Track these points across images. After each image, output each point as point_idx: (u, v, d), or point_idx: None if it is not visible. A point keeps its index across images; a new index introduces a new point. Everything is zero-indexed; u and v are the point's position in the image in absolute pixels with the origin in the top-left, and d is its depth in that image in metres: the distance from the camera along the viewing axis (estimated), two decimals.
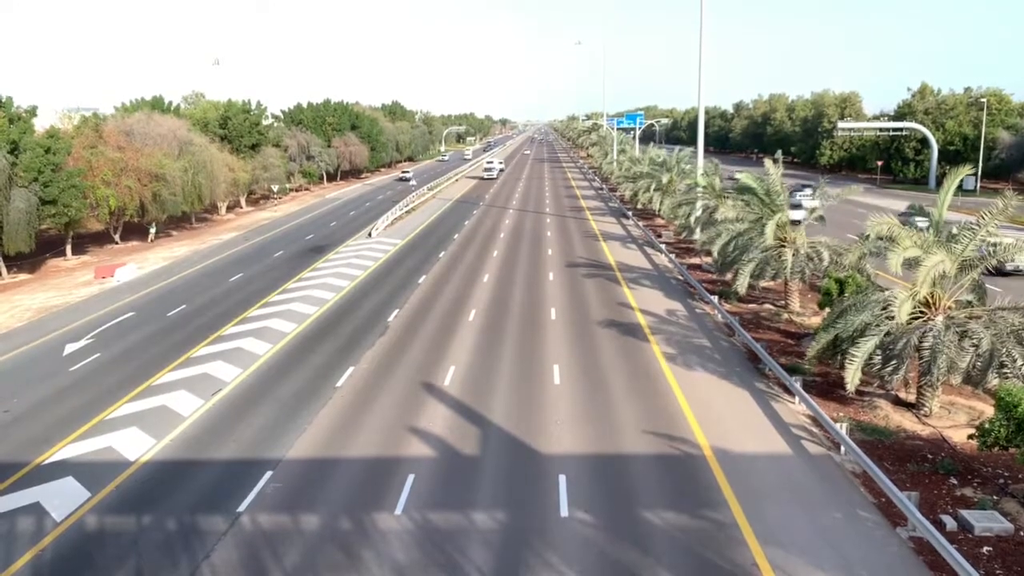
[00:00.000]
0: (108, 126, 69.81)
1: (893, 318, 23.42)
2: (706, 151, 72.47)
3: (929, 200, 30.73)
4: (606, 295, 42.04)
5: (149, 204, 64.37)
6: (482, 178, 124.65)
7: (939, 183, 37.03)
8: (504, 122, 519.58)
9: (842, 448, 21.72)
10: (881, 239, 27.08)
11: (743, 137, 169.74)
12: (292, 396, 27.44)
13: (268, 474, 21.31)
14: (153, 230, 68.58)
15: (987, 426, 19.37)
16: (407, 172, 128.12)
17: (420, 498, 19.66)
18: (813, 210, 41.68)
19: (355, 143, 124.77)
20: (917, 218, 42.20)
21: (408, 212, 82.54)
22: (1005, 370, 21.77)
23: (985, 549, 16.96)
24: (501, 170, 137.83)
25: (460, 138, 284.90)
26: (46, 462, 22.73)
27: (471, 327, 35.82)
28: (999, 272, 40.56)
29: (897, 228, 25.89)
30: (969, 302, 25.13)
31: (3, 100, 52.77)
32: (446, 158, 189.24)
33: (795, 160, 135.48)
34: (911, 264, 24.76)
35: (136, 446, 23.53)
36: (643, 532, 17.83)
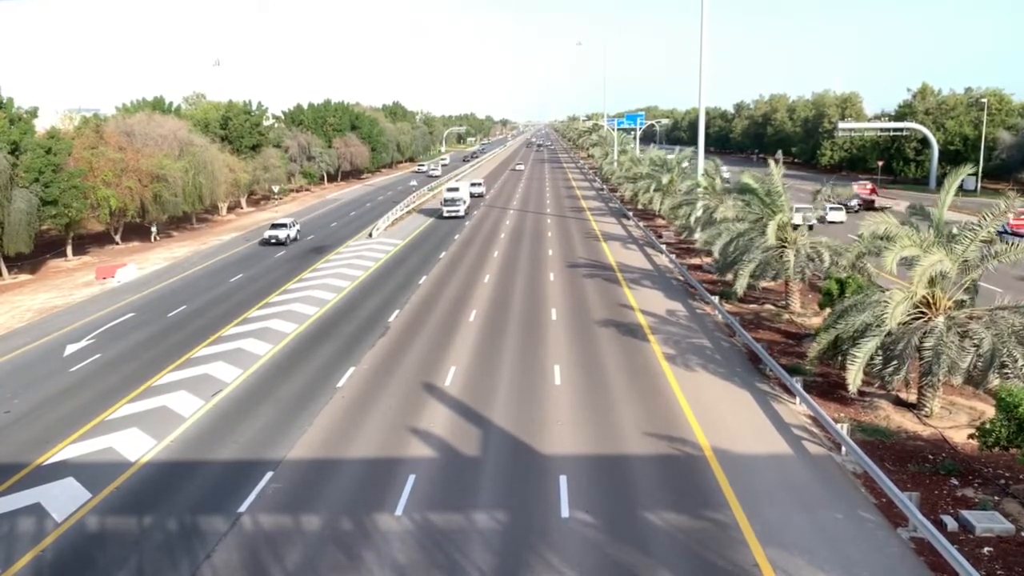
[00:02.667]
0: (109, 127, 69.87)
1: (897, 321, 23.37)
2: (707, 151, 72.48)
3: (930, 200, 30.62)
4: (607, 295, 42.04)
5: (150, 205, 64.43)
6: (441, 216, 77.41)
7: (940, 183, 37.44)
8: (505, 123, 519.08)
9: (843, 449, 21.71)
10: (880, 239, 27.07)
11: (744, 137, 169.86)
12: (293, 397, 27.44)
13: (269, 475, 21.31)
14: (155, 230, 68.66)
15: (988, 426, 19.36)
16: (282, 223, 65.62)
17: (421, 499, 19.65)
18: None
19: (356, 144, 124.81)
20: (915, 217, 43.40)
21: (409, 213, 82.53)
22: (1006, 370, 21.75)
23: (986, 550, 16.95)
24: (480, 195, 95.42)
25: (461, 138, 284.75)
26: (47, 463, 22.74)
27: (472, 327, 35.81)
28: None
29: (895, 227, 25.89)
30: (962, 301, 25.10)
31: (4, 101, 52.80)
32: (424, 168, 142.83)
33: (796, 160, 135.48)
34: (911, 264, 24.75)
35: (137, 447, 23.53)
36: (644, 533, 17.83)
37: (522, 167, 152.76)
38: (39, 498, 20.46)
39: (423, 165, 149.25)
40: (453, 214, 76.25)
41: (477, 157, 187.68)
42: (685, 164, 72.23)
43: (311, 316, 38.95)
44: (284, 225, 65.23)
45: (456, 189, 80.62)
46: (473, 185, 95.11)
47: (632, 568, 16.45)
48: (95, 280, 50.85)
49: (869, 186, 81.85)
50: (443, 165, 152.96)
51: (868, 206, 71.30)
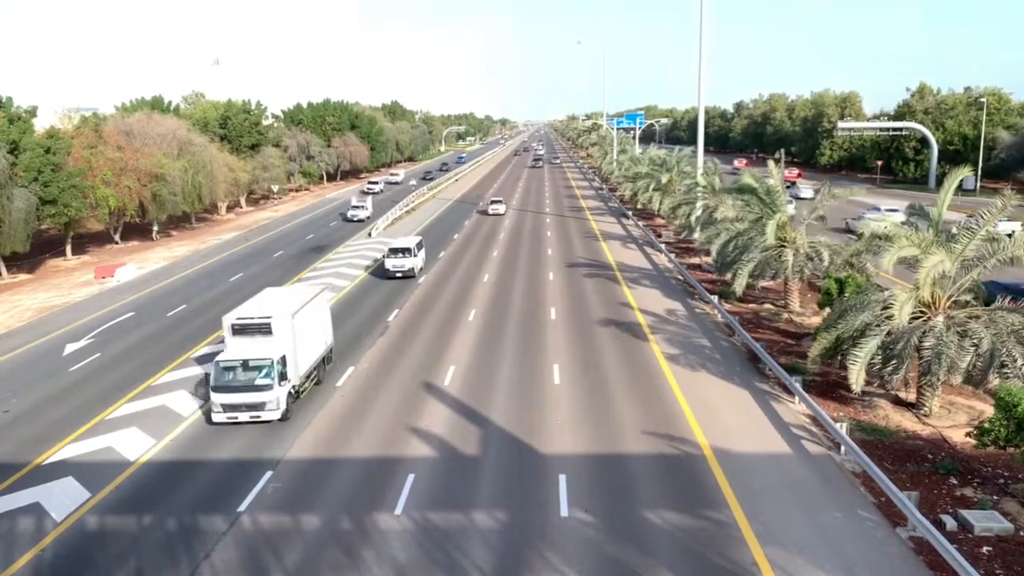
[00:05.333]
0: (108, 126, 69.84)
1: (893, 318, 23.43)
2: (706, 151, 72.50)
3: (929, 200, 30.77)
4: (606, 295, 42.04)
5: (149, 204, 64.42)
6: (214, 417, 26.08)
7: (939, 183, 37.96)
8: (504, 122, 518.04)
9: (842, 448, 21.72)
10: (879, 238, 27.09)
11: (743, 137, 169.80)
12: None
13: (268, 474, 21.32)
14: (156, 227, 68.58)
15: (987, 426, 19.37)
16: None
17: (420, 498, 19.66)
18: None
19: (355, 143, 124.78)
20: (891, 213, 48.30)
21: (408, 212, 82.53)
22: (1005, 370, 21.76)
23: (985, 549, 16.96)
24: (407, 273, 47.14)
25: (460, 137, 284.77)
26: (46, 462, 22.74)
27: (471, 327, 35.82)
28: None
29: (894, 226, 25.95)
30: (968, 302, 25.12)
31: (3, 100, 52.77)
32: (376, 189, 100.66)
33: (795, 160, 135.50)
34: (911, 264, 24.78)
35: (136, 446, 23.53)
36: (643, 532, 17.84)
37: (501, 208, 79.16)
38: (38, 497, 20.45)
39: (375, 184, 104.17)
40: (240, 417, 24.53)
41: (448, 170, 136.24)
42: (687, 162, 72.26)
43: None
44: None
45: (259, 326, 25.78)
46: (394, 255, 47.22)
47: (631, 567, 16.46)
48: (94, 279, 50.84)
49: (745, 161, 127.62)
50: (393, 183, 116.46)
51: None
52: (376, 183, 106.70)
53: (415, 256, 48.13)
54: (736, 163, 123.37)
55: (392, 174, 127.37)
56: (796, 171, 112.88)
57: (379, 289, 45.00)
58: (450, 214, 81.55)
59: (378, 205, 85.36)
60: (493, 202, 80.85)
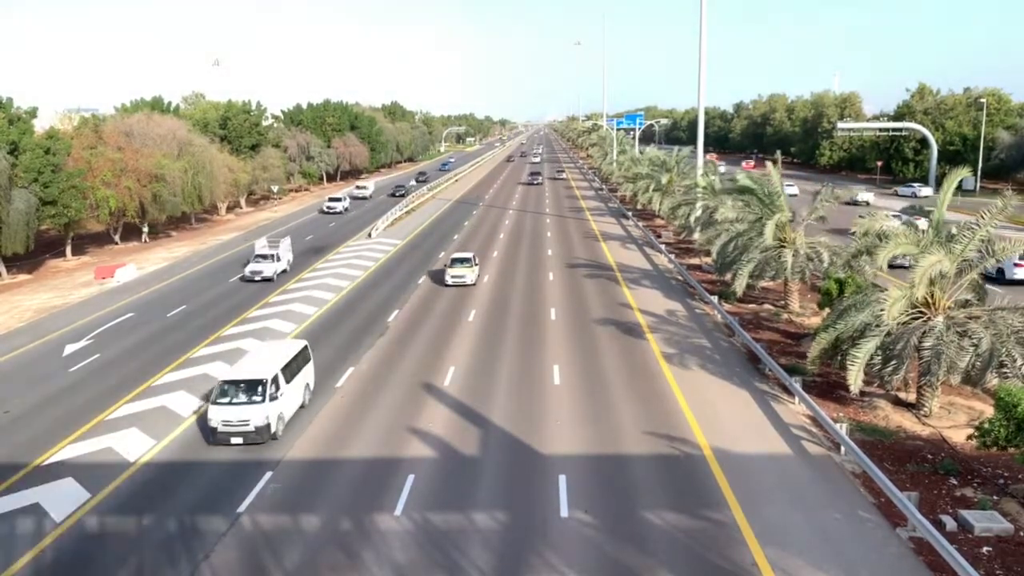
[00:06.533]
0: (108, 127, 69.82)
1: (894, 318, 23.44)
2: (706, 151, 72.51)
3: (929, 200, 31.00)
4: (606, 295, 42.04)
5: (149, 205, 64.33)
6: None
7: (939, 183, 38.01)
8: (504, 122, 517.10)
9: (842, 448, 21.72)
10: (878, 237, 27.11)
11: (743, 137, 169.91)
12: None
13: (268, 475, 21.31)
14: (145, 230, 68.08)
15: (986, 426, 19.38)
16: None
17: (420, 498, 19.66)
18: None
19: (355, 143, 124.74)
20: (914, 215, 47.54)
21: (408, 213, 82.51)
22: (1005, 370, 21.80)
23: (985, 549, 16.96)
24: (267, 424, 22.66)
25: (460, 138, 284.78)
26: (46, 463, 22.72)
27: (471, 327, 35.82)
28: None
29: (890, 225, 26.00)
30: (967, 301, 25.12)
31: (3, 101, 52.75)
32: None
33: (795, 160, 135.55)
34: (911, 263, 24.81)
35: (136, 447, 23.51)
36: (643, 532, 17.84)
37: (470, 274, 44.94)
38: (38, 498, 20.42)
39: (338, 201, 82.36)
40: None
41: (427, 180, 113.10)
42: (686, 162, 72.29)
43: (310, 316, 38.93)
44: None
45: None
46: (233, 393, 23.15)
47: (631, 567, 16.45)
48: (94, 280, 50.78)
49: (715, 155, 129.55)
50: (360, 197, 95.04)
51: None
52: (339, 199, 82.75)
53: (275, 398, 23.40)
54: (707, 156, 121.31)
55: (359, 187, 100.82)
56: (752, 162, 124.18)
57: (379, 289, 44.77)
58: (450, 214, 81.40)
59: (382, 204, 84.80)
60: (456, 262, 45.85)
